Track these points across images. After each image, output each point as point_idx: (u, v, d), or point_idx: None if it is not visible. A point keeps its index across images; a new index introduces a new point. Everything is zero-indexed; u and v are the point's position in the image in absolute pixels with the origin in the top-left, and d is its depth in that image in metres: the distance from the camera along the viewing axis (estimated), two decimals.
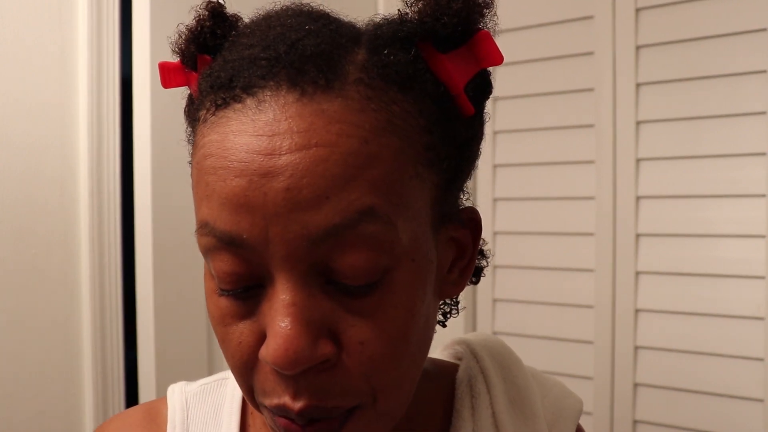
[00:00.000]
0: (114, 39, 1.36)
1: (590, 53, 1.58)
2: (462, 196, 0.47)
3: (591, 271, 1.58)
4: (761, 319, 1.38)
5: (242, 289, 0.39)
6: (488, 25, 0.43)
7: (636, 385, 1.52)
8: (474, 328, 1.76)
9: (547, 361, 1.64)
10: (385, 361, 0.39)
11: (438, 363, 0.57)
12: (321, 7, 0.45)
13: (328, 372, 0.38)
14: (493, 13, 0.43)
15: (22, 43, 1.25)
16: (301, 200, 0.36)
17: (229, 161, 0.37)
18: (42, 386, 1.28)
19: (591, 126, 1.58)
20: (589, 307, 1.58)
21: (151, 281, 1.35)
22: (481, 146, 0.48)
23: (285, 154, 0.36)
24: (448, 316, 0.54)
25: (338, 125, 0.36)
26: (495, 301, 1.73)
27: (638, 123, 1.52)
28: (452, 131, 0.42)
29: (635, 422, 1.52)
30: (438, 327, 0.54)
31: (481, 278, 0.54)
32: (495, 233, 1.73)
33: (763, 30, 1.38)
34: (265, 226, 0.36)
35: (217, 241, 0.38)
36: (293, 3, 0.44)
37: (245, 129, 0.37)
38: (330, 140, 0.36)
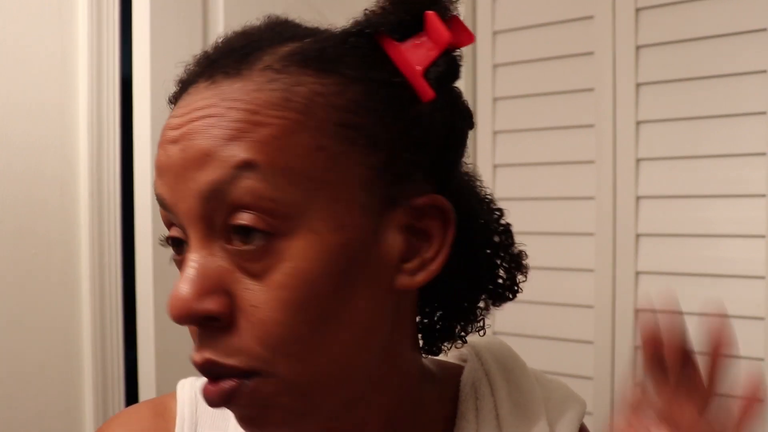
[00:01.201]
0: (114, 39, 1.36)
1: (590, 53, 1.58)
2: (440, 184, 0.48)
3: (591, 271, 1.58)
4: (761, 319, 1.38)
5: (178, 251, 0.45)
6: (451, 9, 0.46)
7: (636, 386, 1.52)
8: None
9: (547, 361, 1.64)
10: (279, 327, 0.41)
11: (443, 364, 0.57)
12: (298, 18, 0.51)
13: (225, 331, 0.41)
14: None
15: (22, 43, 1.25)
16: (190, 158, 0.41)
17: (160, 139, 0.44)
18: (42, 386, 1.28)
19: (591, 126, 1.58)
20: (589, 307, 1.58)
21: (151, 281, 1.35)
22: (460, 135, 0.48)
23: (185, 125, 0.42)
24: (469, 329, 0.56)
25: (231, 101, 0.41)
26: None
27: (638, 123, 1.52)
28: (400, 115, 0.44)
29: None
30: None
31: (518, 292, 0.56)
32: None
33: (763, 30, 1.38)
34: (173, 185, 0.42)
35: (159, 207, 0.45)
36: (272, 16, 0.50)
37: (173, 114, 0.44)
38: (220, 112, 0.41)
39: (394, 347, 0.48)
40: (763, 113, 1.38)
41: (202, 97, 0.42)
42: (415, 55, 0.44)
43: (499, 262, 0.57)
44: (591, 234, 1.58)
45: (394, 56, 0.44)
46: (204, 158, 0.41)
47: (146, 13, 1.32)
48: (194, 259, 0.42)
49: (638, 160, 1.52)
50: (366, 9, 0.48)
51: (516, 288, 0.59)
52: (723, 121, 1.43)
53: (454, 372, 0.56)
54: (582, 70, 1.59)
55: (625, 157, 1.53)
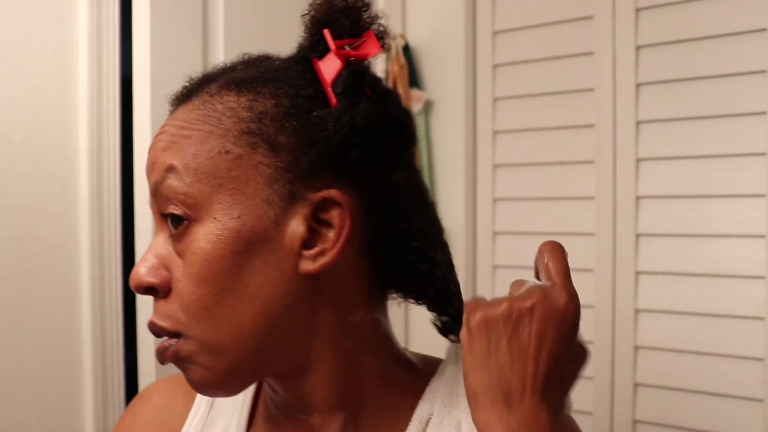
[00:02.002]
0: (114, 39, 1.36)
1: (590, 53, 1.58)
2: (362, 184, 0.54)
3: (591, 271, 1.58)
4: (761, 319, 1.38)
5: None
6: (348, 26, 0.55)
7: (636, 385, 1.52)
8: None
9: None
10: (190, 296, 0.52)
11: (427, 359, 0.64)
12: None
13: (164, 299, 0.53)
14: (346, 16, 0.55)
15: (22, 43, 1.25)
16: (149, 166, 0.54)
17: None
18: (42, 386, 1.28)
19: (591, 126, 1.58)
20: (589, 307, 1.58)
21: None
22: (369, 137, 0.53)
23: (152, 143, 0.55)
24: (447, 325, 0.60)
25: (176, 121, 0.54)
26: None
27: (638, 123, 1.52)
28: (302, 121, 0.52)
29: (635, 422, 1.52)
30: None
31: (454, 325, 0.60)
32: (495, 233, 1.73)
33: (763, 30, 1.38)
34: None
35: None
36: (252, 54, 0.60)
37: None
38: (168, 130, 0.54)
39: (324, 328, 0.55)
40: (763, 113, 1.38)
41: (167, 120, 0.56)
42: (327, 70, 0.54)
43: (424, 268, 0.59)
44: (591, 234, 1.58)
45: (318, 70, 0.54)
46: (152, 166, 0.54)
47: (146, 13, 1.32)
48: (152, 243, 0.55)
49: (638, 160, 1.52)
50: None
51: (448, 307, 0.61)
52: (723, 121, 1.43)
53: (435, 365, 0.62)
54: (582, 70, 1.59)
55: (625, 157, 1.53)
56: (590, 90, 1.58)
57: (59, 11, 1.29)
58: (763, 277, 1.38)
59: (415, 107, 1.73)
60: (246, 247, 0.51)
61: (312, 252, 0.52)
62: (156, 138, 0.55)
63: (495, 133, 1.72)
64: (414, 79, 1.75)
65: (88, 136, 1.33)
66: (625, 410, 1.53)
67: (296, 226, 0.52)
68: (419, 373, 0.61)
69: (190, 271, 0.52)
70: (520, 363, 0.48)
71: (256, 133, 0.52)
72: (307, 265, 0.52)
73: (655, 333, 1.50)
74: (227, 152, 0.52)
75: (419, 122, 1.74)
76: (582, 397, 1.59)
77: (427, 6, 1.78)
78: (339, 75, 0.53)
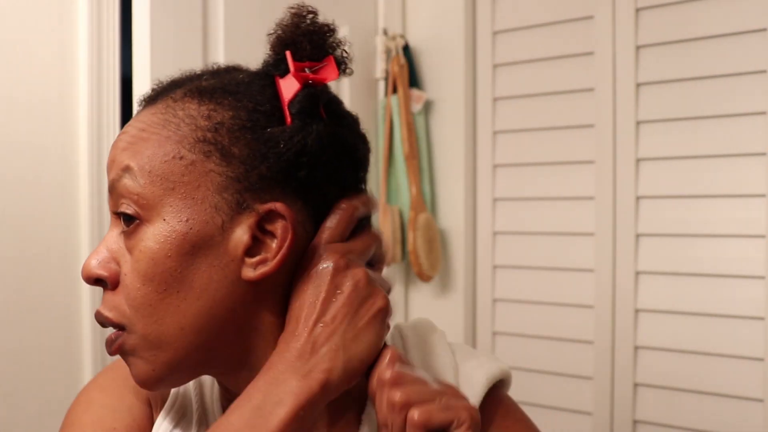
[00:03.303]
0: (114, 39, 1.36)
1: (590, 53, 1.58)
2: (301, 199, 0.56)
3: (591, 271, 1.58)
4: (761, 319, 1.38)
5: None
6: (308, 49, 0.57)
7: (636, 385, 1.52)
8: (474, 328, 1.76)
9: (547, 361, 1.64)
10: (134, 292, 0.54)
11: None
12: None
13: (112, 291, 0.56)
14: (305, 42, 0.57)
15: (22, 43, 1.25)
16: (109, 164, 0.57)
17: None
18: (42, 386, 1.28)
19: (591, 126, 1.58)
20: (589, 307, 1.58)
21: None
22: (317, 156, 0.56)
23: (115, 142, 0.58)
24: None
25: (136, 123, 0.57)
26: (495, 301, 1.73)
27: (638, 123, 1.52)
28: (256, 136, 0.55)
29: (635, 422, 1.52)
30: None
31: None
32: (495, 233, 1.73)
33: (763, 30, 1.38)
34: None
35: None
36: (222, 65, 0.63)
37: None
38: (128, 130, 0.57)
39: (267, 329, 0.57)
40: (763, 113, 1.38)
41: (132, 120, 0.58)
42: (286, 89, 0.56)
43: None
44: (591, 234, 1.58)
45: (279, 88, 0.57)
46: (111, 164, 0.57)
47: (146, 13, 1.32)
48: (106, 237, 0.58)
49: (638, 160, 1.52)
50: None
51: None
52: (723, 121, 1.43)
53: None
54: (582, 70, 1.59)
55: (625, 157, 1.53)
56: (590, 90, 1.58)
57: (59, 11, 1.29)
58: (763, 277, 1.38)
59: (415, 107, 1.73)
60: (192, 250, 0.54)
61: (254, 260, 0.55)
62: (118, 137, 0.58)
63: (495, 133, 1.72)
64: (414, 79, 1.75)
65: (88, 136, 1.33)
66: (625, 410, 1.53)
67: (241, 234, 0.54)
68: None
69: (137, 268, 0.54)
70: None
71: (211, 142, 0.54)
72: (249, 272, 0.54)
73: (655, 333, 1.50)
74: (181, 158, 0.54)
75: (419, 122, 1.74)
76: (582, 397, 1.59)
77: (427, 6, 1.78)
78: (296, 96, 0.56)
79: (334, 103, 0.60)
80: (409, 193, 1.69)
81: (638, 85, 1.51)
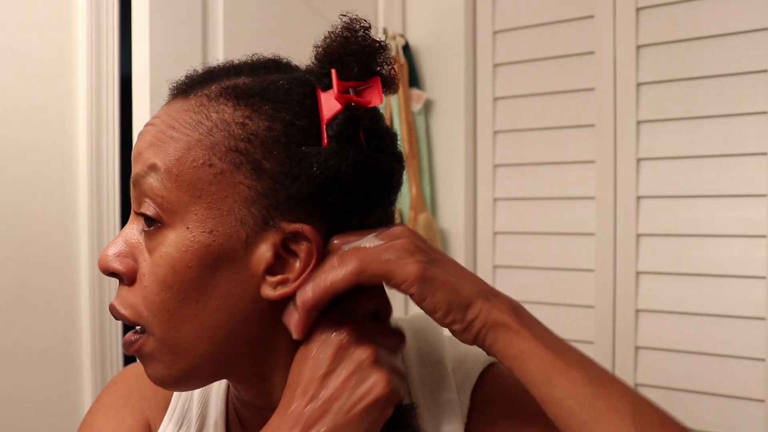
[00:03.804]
0: (113, 39, 1.36)
1: (591, 53, 1.58)
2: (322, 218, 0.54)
3: (591, 271, 1.58)
4: (762, 319, 1.38)
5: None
6: (357, 69, 0.54)
7: (636, 386, 1.52)
8: None
9: None
10: (153, 296, 0.53)
11: None
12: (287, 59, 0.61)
13: (128, 287, 0.55)
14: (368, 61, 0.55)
15: (21, 43, 1.25)
16: (135, 155, 0.55)
17: None
18: (42, 386, 1.28)
19: (591, 126, 1.58)
20: (590, 307, 1.58)
21: None
22: (350, 183, 0.53)
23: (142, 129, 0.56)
24: None
25: (167, 116, 0.54)
26: None
27: (638, 123, 1.52)
28: (289, 152, 0.53)
29: None
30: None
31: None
32: (495, 233, 1.73)
33: (763, 30, 1.38)
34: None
35: None
36: (270, 55, 0.61)
37: None
38: (158, 123, 0.54)
39: (283, 344, 0.55)
40: (764, 113, 1.38)
41: (162, 110, 0.56)
42: (327, 106, 0.54)
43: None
44: (591, 234, 1.58)
45: (319, 103, 0.54)
46: (137, 156, 0.55)
47: (146, 13, 1.31)
48: (125, 229, 0.56)
49: (638, 160, 1.52)
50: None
51: None
52: (723, 121, 1.43)
53: None
54: (582, 70, 1.59)
55: (626, 157, 1.53)
56: (591, 90, 1.58)
57: (58, 11, 1.29)
58: (763, 277, 1.38)
59: (415, 107, 1.73)
60: (213, 262, 0.52)
61: (275, 279, 0.53)
62: (146, 127, 0.55)
63: (495, 133, 1.72)
64: (414, 79, 1.75)
65: (87, 136, 1.33)
66: None
67: (264, 251, 0.53)
68: None
69: (156, 272, 0.53)
70: None
71: (243, 153, 0.52)
72: (269, 291, 0.53)
73: (656, 333, 1.50)
74: (211, 165, 0.52)
75: (419, 122, 1.74)
76: None
77: (427, 6, 1.78)
78: (336, 116, 0.53)
79: (375, 122, 0.57)
80: (409, 193, 1.69)
81: (639, 84, 1.51)
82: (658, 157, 1.50)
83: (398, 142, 0.60)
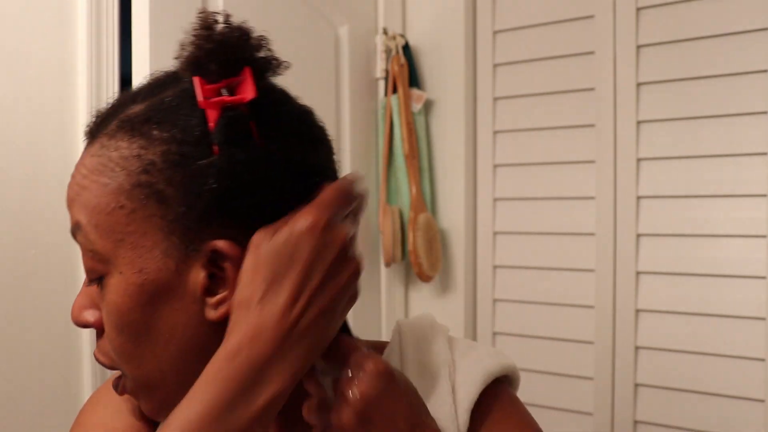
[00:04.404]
0: (114, 39, 1.36)
1: (591, 53, 1.58)
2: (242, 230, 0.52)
3: (591, 271, 1.58)
4: (762, 319, 1.38)
5: None
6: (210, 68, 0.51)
7: (636, 386, 1.52)
8: (474, 328, 1.76)
9: (547, 362, 1.64)
10: (112, 340, 0.54)
11: (371, 344, 0.63)
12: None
13: (101, 336, 0.57)
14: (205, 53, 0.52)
15: (21, 43, 1.25)
16: (67, 207, 0.55)
17: None
18: (41, 387, 1.28)
19: (591, 126, 1.58)
20: (590, 307, 1.58)
21: None
22: (250, 186, 0.51)
23: None
24: None
25: (81, 166, 0.54)
26: (495, 301, 1.73)
27: (639, 123, 1.52)
28: (187, 172, 0.51)
29: (636, 423, 1.52)
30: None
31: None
32: (495, 233, 1.73)
33: (764, 30, 1.38)
34: None
35: None
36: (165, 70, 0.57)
37: None
38: (75, 174, 0.55)
39: None
40: (764, 113, 1.38)
41: (80, 157, 0.56)
42: (211, 114, 0.51)
43: None
44: (591, 234, 1.58)
45: (206, 113, 0.52)
46: (69, 208, 0.55)
47: (146, 13, 1.31)
48: (85, 280, 0.56)
49: (638, 160, 1.52)
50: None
51: None
52: (723, 121, 1.43)
53: (380, 348, 0.65)
54: (582, 70, 1.59)
55: (626, 157, 1.53)
56: (591, 90, 1.58)
57: (58, 11, 1.29)
58: (763, 278, 1.38)
59: (415, 107, 1.73)
60: (151, 299, 0.52)
61: (214, 300, 0.52)
62: (71, 179, 0.55)
63: (495, 133, 1.72)
64: (414, 79, 1.75)
65: None
66: (626, 411, 1.53)
67: (196, 275, 0.52)
68: None
69: (108, 320, 0.54)
70: None
71: (146, 186, 0.51)
72: (211, 313, 0.52)
73: (656, 333, 1.50)
74: (122, 207, 0.52)
75: (419, 122, 1.74)
76: (582, 397, 1.59)
77: (427, 5, 1.78)
78: (217, 123, 0.51)
79: (267, 112, 0.53)
80: (409, 193, 1.69)
81: (639, 84, 1.51)
82: (658, 157, 1.50)
83: (313, 118, 0.58)
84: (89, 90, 1.33)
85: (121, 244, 0.52)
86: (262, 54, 0.53)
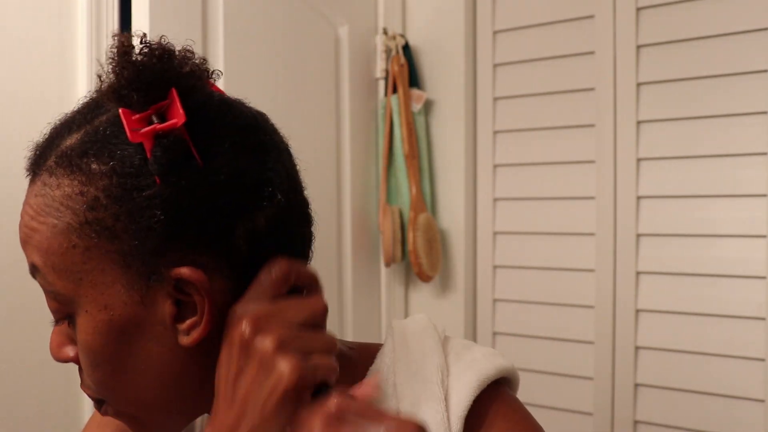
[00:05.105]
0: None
1: (591, 53, 1.58)
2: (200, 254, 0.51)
3: (591, 271, 1.58)
4: (762, 319, 1.38)
5: None
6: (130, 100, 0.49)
7: (636, 386, 1.52)
8: (474, 329, 1.76)
9: (547, 362, 1.64)
10: (91, 377, 0.54)
11: (366, 347, 0.64)
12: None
13: (83, 369, 0.55)
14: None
15: (21, 42, 1.25)
16: (22, 247, 0.54)
17: None
18: (42, 386, 1.28)
19: (591, 126, 1.58)
20: (590, 307, 1.58)
21: None
22: (206, 209, 0.50)
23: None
24: None
25: (27, 207, 0.54)
26: (495, 301, 1.73)
27: (638, 123, 1.52)
28: (132, 203, 0.49)
29: (636, 423, 1.52)
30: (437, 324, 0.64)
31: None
32: (495, 233, 1.73)
33: (764, 30, 1.38)
34: None
35: None
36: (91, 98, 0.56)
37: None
38: (23, 215, 0.54)
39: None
40: (764, 113, 1.38)
41: (26, 196, 0.54)
42: (147, 141, 0.48)
43: None
44: (591, 234, 1.58)
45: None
46: (23, 250, 0.54)
47: (146, 13, 1.31)
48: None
49: (638, 160, 1.52)
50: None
51: None
52: (723, 121, 1.43)
53: (373, 351, 0.63)
54: (582, 70, 1.59)
55: (626, 157, 1.53)
56: (591, 90, 1.58)
57: (58, 11, 1.29)
58: (763, 277, 1.38)
59: (415, 107, 1.73)
60: (122, 334, 0.51)
61: (185, 326, 0.51)
62: (21, 219, 0.54)
63: (495, 133, 1.72)
64: (414, 79, 1.75)
65: None
66: (626, 411, 1.53)
67: (163, 302, 0.51)
68: (354, 365, 0.60)
69: (83, 357, 0.53)
70: None
71: (94, 223, 0.49)
72: (184, 339, 0.51)
73: (656, 333, 1.50)
74: (74, 246, 0.50)
75: (419, 122, 1.74)
76: (582, 397, 1.59)
77: (427, 5, 1.78)
78: (153, 152, 0.48)
79: (213, 123, 0.51)
80: (409, 193, 1.69)
81: (639, 84, 1.51)
82: (658, 157, 1.50)
83: (260, 125, 0.54)
84: (89, 90, 1.33)
85: (81, 283, 0.51)
86: (187, 69, 0.49)
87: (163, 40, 0.49)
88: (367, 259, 1.75)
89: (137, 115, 0.48)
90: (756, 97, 1.39)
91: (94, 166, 0.49)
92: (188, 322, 0.51)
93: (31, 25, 1.26)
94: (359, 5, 1.74)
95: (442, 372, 0.58)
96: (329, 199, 1.65)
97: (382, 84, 1.77)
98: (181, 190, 0.49)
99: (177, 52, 0.50)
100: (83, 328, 0.52)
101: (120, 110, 0.48)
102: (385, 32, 1.75)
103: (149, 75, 0.48)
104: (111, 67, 0.49)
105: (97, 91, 0.52)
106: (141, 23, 1.33)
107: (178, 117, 0.48)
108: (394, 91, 1.71)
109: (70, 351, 0.55)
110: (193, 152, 0.49)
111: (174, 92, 0.48)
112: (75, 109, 0.55)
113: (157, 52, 0.48)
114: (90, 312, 0.51)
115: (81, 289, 0.51)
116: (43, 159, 0.53)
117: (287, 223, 0.54)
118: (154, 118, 0.48)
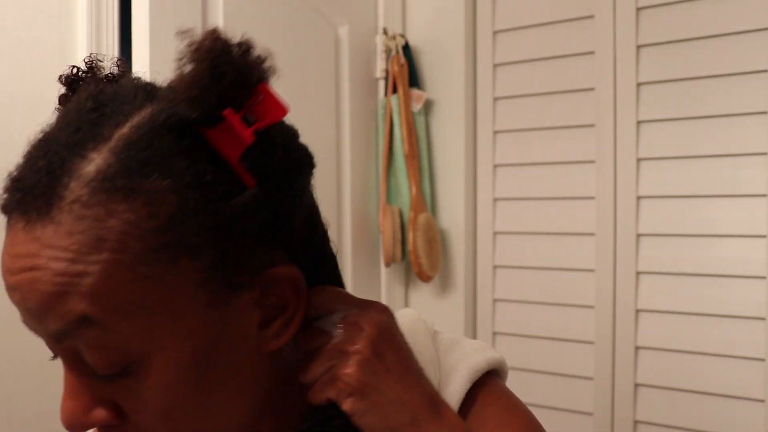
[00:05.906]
0: (114, 39, 1.36)
1: (591, 53, 1.58)
2: (283, 255, 0.49)
3: (591, 271, 1.58)
4: (762, 319, 1.38)
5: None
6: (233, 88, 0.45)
7: (636, 386, 1.52)
8: (474, 328, 1.76)
9: (547, 362, 1.64)
10: (153, 424, 0.47)
11: None
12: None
13: (116, 427, 0.47)
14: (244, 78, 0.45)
15: (22, 42, 1.25)
16: (32, 310, 0.44)
17: (3, 274, 0.46)
18: (42, 386, 1.28)
19: (591, 126, 1.58)
20: (590, 307, 1.58)
21: None
22: (289, 210, 0.49)
23: (16, 274, 0.44)
24: None
25: (48, 250, 0.42)
26: (495, 301, 1.73)
27: (638, 123, 1.52)
28: (216, 213, 0.45)
29: (636, 423, 1.52)
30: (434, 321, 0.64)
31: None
32: (495, 233, 1.73)
33: (764, 30, 1.38)
34: (28, 320, 0.46)
35: None
36: (79, 97, 0.51)
37: (5, 251, 0.45)
38: (41, 264, 0.43)
39: (284, 385, 0.54)
40: (764, 113, 1.38)
41: (21, 241, 0.43)
42: (229, 144, 0.45)
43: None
44: (591, 234, 1.58)
45: (213, 146, 0.45)
46: (42, 313, 0.43)
47: (146, 13, 1.31)
48: (67, 381, 0.48)
49: (638, 160, 1.52)
50: (167, 90, 0.47)
51: None
52: (723, 121, 1.43)
53: None
54: (582, 70, 1.59)
55: (626, 157, 1.53)
56: (591, 90, 1.58)
57: (58, 11, 1.29)
58: (763, 278, 1.38)
59: (415, 107, 1.73)
60: (207, 360, 0.47)
61: (273, 330, 0.49)
62: (23, 276, 0.43)
63: (495, 133, 1.72)
64: (414, 79, 1.75)
65: None
66: (626, 410, 1.53)
67: (248, 313, 0.48)
68: None
69: (153, 406, 0.46)
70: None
71: (170, 245, 0.44)
72: (273, 343, 0.50)
73: (656, 333, 1.50)
74: (146, 278, 0.43)
75: (419, 122, 1.74)
76: (582, 397, 1.59)
77: (427, 5, 1.78)
78: (248, 151, 0.45)
79: (281, 127, 0.49)
80: (409, 193, 1.69)
81: (639, 84, 1.51)
82: (658, 157, 1.50)
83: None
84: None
85: (155, 316, 0.44)
86: (268, 64, 0.47)
87: (244, 35, 0.46)
88: (367, 259, 1.75)
89: (237, 115, 0.45)
90: (756, 97, 1.39)
91: (157, 183, 0.43)
92: (276, 324, 0.49)
93: (31, 25, 1.26)
94: (359, 5, 1.74)
95: (434, 366, 0.59)
96: (329, 199, 1.65)
97: (382, 84, 1.77)
98: (273, 187, 0.47)
99: (257, 47, 0.47)
100: (159, 369, 0.45)
101: (226, 112, 0.44)
102: (385, 32, 1.75)
103: (246, 71, 0.45)
104: (211, 65, 0.44)
105: (195, 93, 0.44)
106: (141, 23, 1.33)
107: (277, 110, 0.46)
108: (394, 91, 1.71)
109: (103, 412, 0.47)
110: (279, 150, 0.47)
111: (266, 87, 0.46)
112: (56, 129, 0.48)
113: (244, 48, 0.45)
114: (168, 347, 0.45)
115: (156, 322, 0.44)
116: (54, 193, 0.43)
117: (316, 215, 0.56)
118: (249, 116, 0.45)
